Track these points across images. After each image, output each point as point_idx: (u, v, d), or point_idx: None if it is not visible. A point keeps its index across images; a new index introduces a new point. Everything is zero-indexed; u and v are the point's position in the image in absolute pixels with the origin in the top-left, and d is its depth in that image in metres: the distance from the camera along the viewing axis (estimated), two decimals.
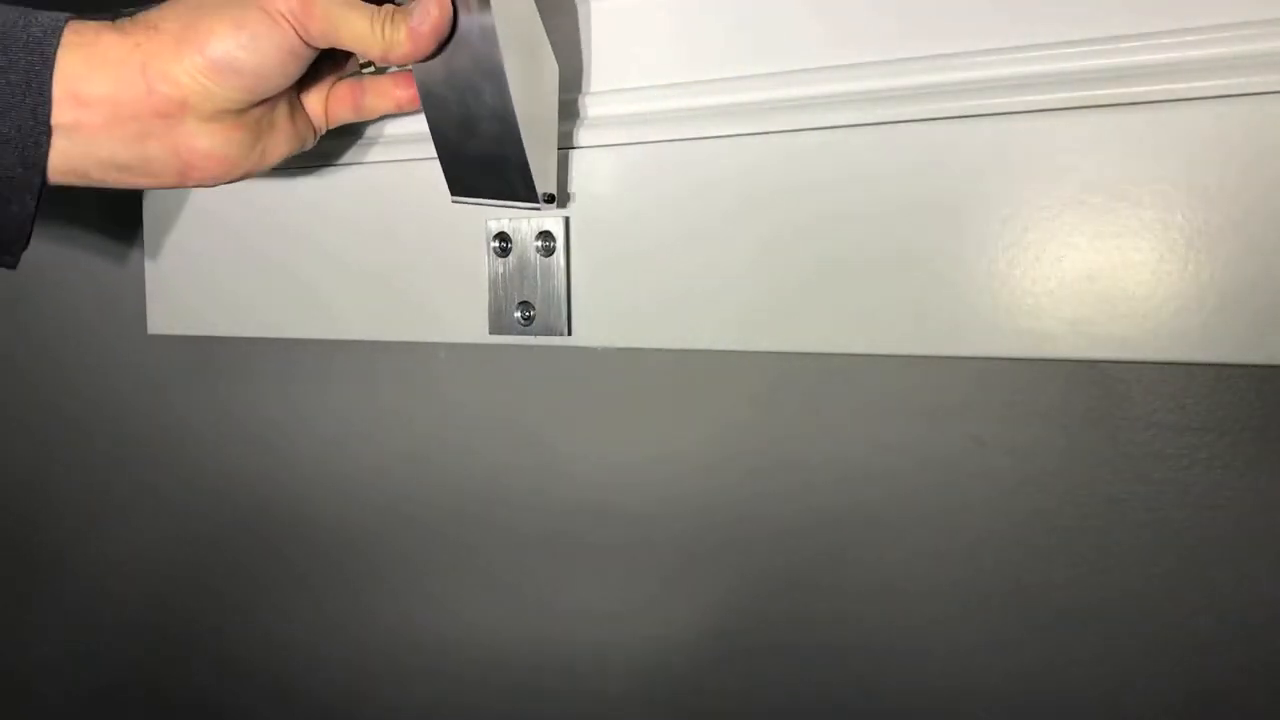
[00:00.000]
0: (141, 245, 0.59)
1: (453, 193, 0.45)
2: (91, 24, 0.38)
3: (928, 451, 0.43)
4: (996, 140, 0.39)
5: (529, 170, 0.42)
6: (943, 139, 0.40)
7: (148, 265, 0.59)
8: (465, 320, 0.49)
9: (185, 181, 0.41)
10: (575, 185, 0.47)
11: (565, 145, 0.46)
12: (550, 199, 0.44)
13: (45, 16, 0.38)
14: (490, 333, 0.48)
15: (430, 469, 0.56)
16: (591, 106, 0.46)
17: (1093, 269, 0.38)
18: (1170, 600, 0.40)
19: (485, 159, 0.43)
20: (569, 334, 0.47)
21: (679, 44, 0.45)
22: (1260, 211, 0.35)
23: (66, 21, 0.38)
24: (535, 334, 0.47)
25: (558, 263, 0.46)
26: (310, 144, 0.46)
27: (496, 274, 0.48)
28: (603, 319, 0.47)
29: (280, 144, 0.43)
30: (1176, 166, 0.36)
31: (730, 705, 0.49)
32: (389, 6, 0.39)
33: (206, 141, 0.40)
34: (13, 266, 0.40)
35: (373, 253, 0.52)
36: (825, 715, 0.47)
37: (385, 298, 0.52)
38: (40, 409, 0.70)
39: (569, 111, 0.46)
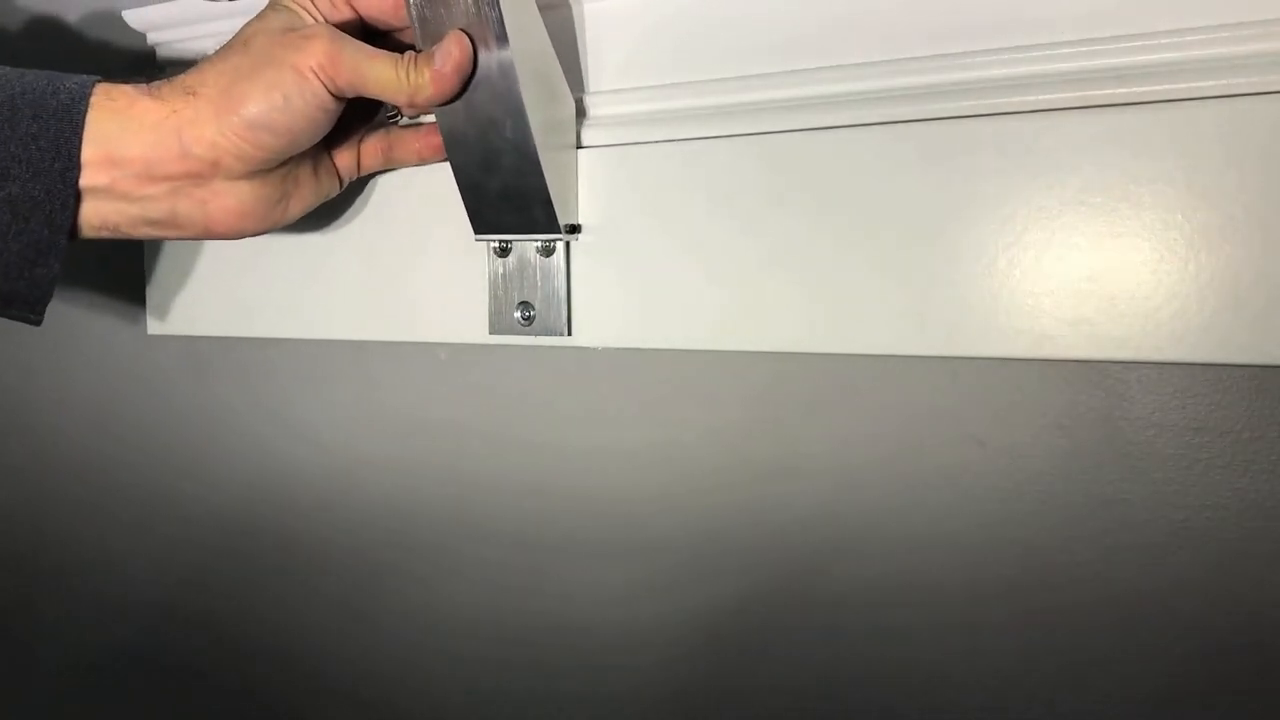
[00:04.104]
0: (141, 246, 0.59)
1: (476, 230, 0.46)
2: (126, 88, 0.39)
3: (928, 451, 0.43)
4: (996, 140, 0.39)
5: (550, 202, 0.43)
6: (943, 139, 0.40)
7: (148, 265, 0.59)
8: (465, 320, 0.49)
9: (210, 235, 0.42)
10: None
11: None
12: (573, 229, 0.45)
13: (72, 82, 0.39)
14: (490, 333, 0.48)
15: (430, 469, 0.56)
16: (591, 107, 0.46)
17: (1093, 269, 0.38)
18: (1170, 600, 0.40)
19: (507, 194, 0.43)
20: (569, 334, 0.47)
21: (678, 44, 0.45)
22: (1260, 211, 0.35)
23: (93, 85, 0.39)
24: (535, 334, 0.47)
25: (557, 263, 0.46)
26: (334, 194, 0.47)
27: (496, 274, 0.48)
28: (603, 319, 0.47)
29: (304, 198, 0.45)
30: (1176, 166, 0.36)
31: (730, 704, 0.49)
32: (411, 53, 0.40)
33: (234, 199, 0.41)
34: (38, 324, 0.41)
35: (373, 253, 0.52)
36: (824, 714, 0.47)
37: (385, 298, 0.52)
38: (40, 409, 0.70)
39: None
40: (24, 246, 0.38)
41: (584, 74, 0.47)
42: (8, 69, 0.39)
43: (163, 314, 0.59)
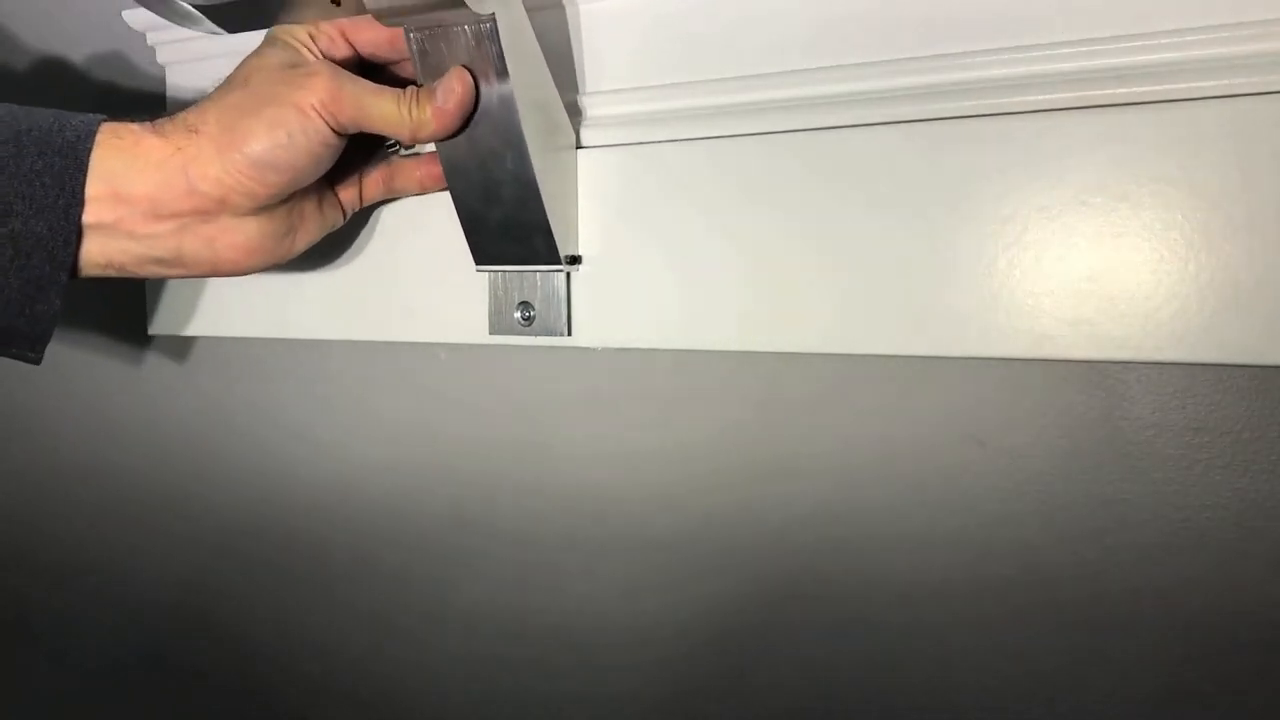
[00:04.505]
0: None
1: (477, 262, 0.47)
2: (132, 126, 0.39)
3: (928, 451, 0.43)
4: (996, 140, 0.39)
5: (551, 234, 0.43)
6: (943, 139, 0.40)
7: None
8: (465, 320, 0.49)
9: (217, 272, 0.43)
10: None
11: None
12: (573, 260, 0.46)
13: (79, 120, 0.39)
14: (490, 333, 0.48)
15: (429, 468, 0.56)
16: (591, 107, 0.46)
17: (1093, 269, 0.38)
18: (1170, 601, 0.40)
19: (508, 225, 0.44)
20: (569, 334, 0.47)
21: (677, 44, 0.45)
22: (1260, 211, 0.35)
23: (99, 124, 0.39)
24: (535, 334, 0.47)
25: None
26: (338, 227, 0.47)
27: (496, 274, 0.48)
28: (603, 319, 0.47)
29: (309, 231, 0.45)
30: (1176, 166, 0.36)
31: (730, 704, 0.49)
32: (413, 88, 0.40)
33: (241, 236, 0.41)
34: (37, 362, 0.41)
35: (373, 253, 0.52)
36: (824, 714, 0.47)
37: (385, 298, 0.52)
38: (40, 409, 0.70)
39: (569, 112, 0.46)
40: (24, 283, 0.38)
41: (582, 74, 0.47)
42: (15, 106, 0.39)
43: (163, 314, 0.59)
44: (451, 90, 0.39)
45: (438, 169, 0.45)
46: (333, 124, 0.39)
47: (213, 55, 0.54)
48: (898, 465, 0.44)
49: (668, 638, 0.50)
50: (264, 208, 0.41)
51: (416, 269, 0.51)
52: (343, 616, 0.60)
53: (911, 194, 0.40)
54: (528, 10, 0.41)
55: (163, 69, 0.57)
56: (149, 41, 0.56)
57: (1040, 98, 0.38)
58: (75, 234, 0.38)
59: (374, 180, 0.47)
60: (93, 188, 0.38)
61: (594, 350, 0.49)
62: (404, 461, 0.56)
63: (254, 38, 0.44)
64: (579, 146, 0.46)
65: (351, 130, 0.40)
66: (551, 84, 0.43)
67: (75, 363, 0.68)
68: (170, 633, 0.68)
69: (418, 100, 0.40)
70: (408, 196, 0.50)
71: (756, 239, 0.43)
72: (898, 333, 0.41)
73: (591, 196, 0.46)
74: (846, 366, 0.44)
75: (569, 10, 0.46)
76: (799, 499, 0.46)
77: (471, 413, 0.54)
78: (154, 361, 0.64)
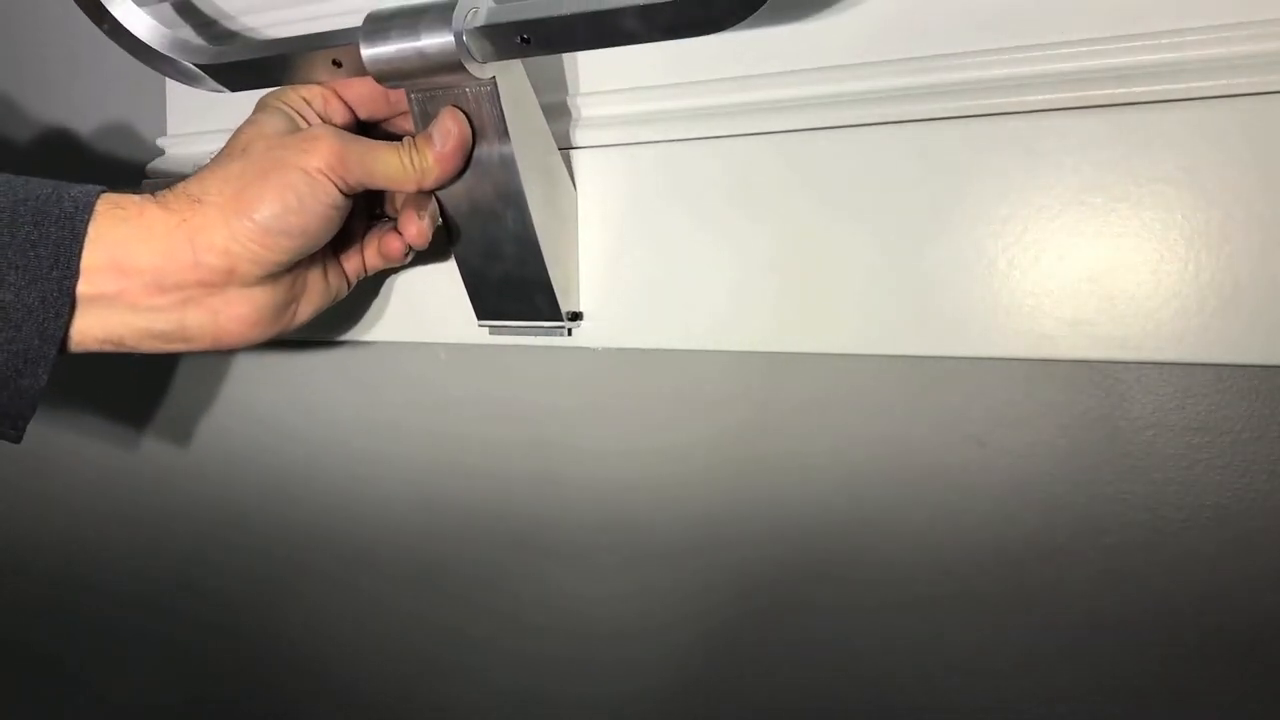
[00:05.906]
0: None
1: (479, 317, 0.47)
2: (133, 197, 0.38)
3: (928, 451, 0.43)
4: (996, 140, 0.39)
5: (553, 292, 0.44)
6: (942, 139, 0.40)
7: None
8: (465, 320, 0.49)
9: (218, 345, 0.42)
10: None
11: (564, 146, 0.46)
12: (575, 317, 0.46)
13: (78, 190, 0.38)
14: (491, 333, 0.48)
15: (429, 469, 0.56)
16: (590, 107, 0.46)
17: (1093, 269, 0.38)
18: (1170, 601, 0.40)
19: (510, 283, 0.44)
20: (569, 334, 0.47)
21: (678, 44, 0.45)
22: (1261, 211, 0.35)
23: (99, 195, 0.38)
24: (535, 334, 0.47)
25: None
26: (343, 296, 0.46)
27: None
28: (603, 319, 0.47)
29: (313, 300, 0.44)
30: (1176, 166, 0.36)
31: (730, 704, 0.49)
32: (409, 139, 0.40)
33: (245, 307, 0.40)
34: (17, 440, 0.40)
35: None
36: (823, 714, 0.47)
37: (386, 298, 0.52)
38: (41, 409, 0.70)
39: (566, 111, 0.47)
40: (11, 356, 0.37)
41: (576, 74, 0.47)
42: (13, 177, 0.38)
43: None
44: (448, 132, 0.39)
45: (424, 224, 0.43)
46: (340, 185, 0.39)
47: None
48: (898, 465, 0.44)
49: (667, 637, 0.50)
50: (270, 276, 0.40)
51: (416, 269, 0.51)
52: (341, 615, 0.60)
53: (911, 193, 0.40)
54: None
55: None
56: None
57: (1040, 98, 0.38)
58: (68, 306, 0.37)
59: (374, 247, 0.46)
60: (93, 258, 0.37)
61: (594, 350, 0.49)
62: (404, 461, 0.56)
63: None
64: (574, 147, 0.46)
65: (358, 190, 0.40)
66: (553, 142, 0.44)
67: (75, 362, 0.68)
68: (166, 631, 0.68)
69: (418, 149, 0.40)
70: (405, 263, 0.47)
71: (755, 239, 0.43)
72: (898, 333, 0.41)
73: (587, 198, 0.46)
74: (846, 366, 0.44)
75: None
76: (799, 499, 0.46)
77: (472, 413, 0.54)
78: (155, 361, 0.64)
